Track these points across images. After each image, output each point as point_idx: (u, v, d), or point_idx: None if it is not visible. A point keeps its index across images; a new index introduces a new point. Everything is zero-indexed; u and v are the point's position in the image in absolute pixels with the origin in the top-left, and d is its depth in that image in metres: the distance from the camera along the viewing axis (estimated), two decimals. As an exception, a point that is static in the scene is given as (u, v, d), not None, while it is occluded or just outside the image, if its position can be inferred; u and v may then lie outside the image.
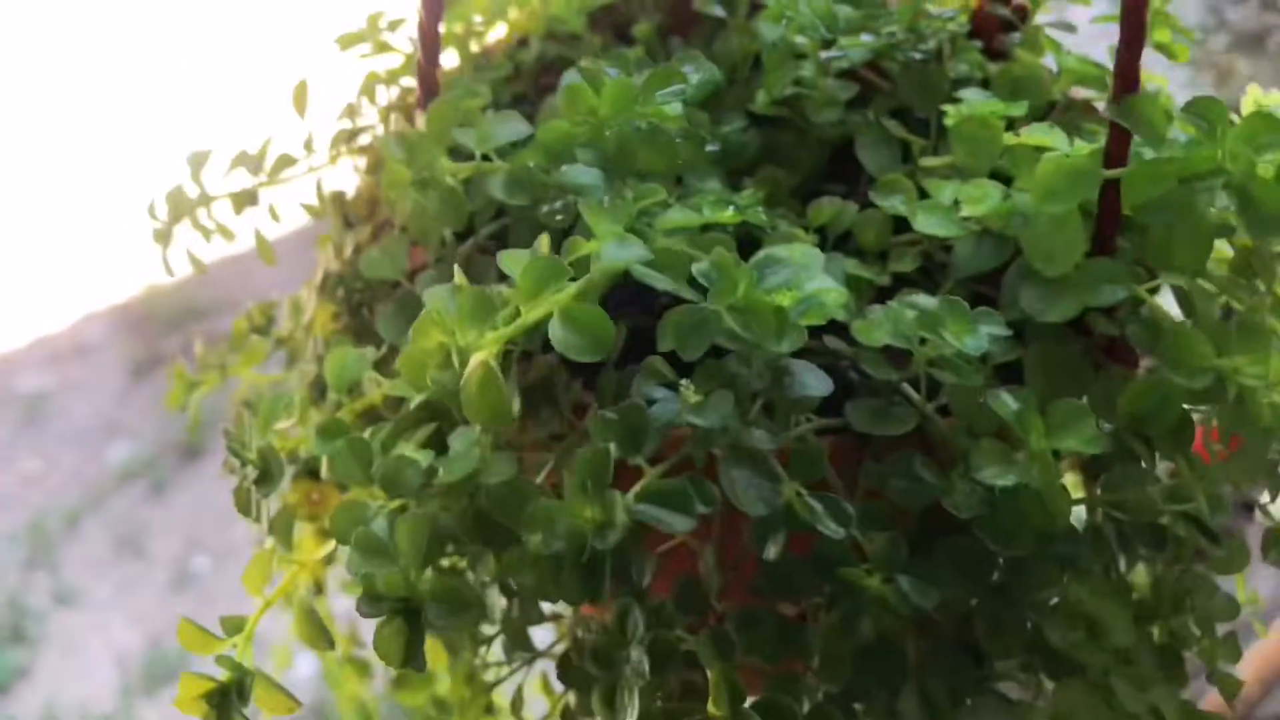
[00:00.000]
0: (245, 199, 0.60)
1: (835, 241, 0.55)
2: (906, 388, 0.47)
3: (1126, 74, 0.44)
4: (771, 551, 0.41)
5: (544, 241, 0.43)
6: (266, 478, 0.45)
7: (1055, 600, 0.47)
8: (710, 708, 0.42)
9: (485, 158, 0.50)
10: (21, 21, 2.72)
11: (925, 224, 0.51)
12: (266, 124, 0.62)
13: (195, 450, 1.98)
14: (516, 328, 0.39)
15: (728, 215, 0.49)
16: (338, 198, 0.60)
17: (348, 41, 0.64)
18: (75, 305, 2.25)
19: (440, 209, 0.48)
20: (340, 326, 0.58)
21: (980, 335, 0.43)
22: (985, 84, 0.59)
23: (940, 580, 0.44)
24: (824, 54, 0.56)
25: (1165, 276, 0.48)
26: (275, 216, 0.61)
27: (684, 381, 0.41)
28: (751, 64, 0.64)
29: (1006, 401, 0.44)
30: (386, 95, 0.64)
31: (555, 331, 0.40)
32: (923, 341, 0.45)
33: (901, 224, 0.54)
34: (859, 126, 0.59)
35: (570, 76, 0.50)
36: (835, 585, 0.44)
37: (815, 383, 0.42)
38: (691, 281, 0.43)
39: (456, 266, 0.41)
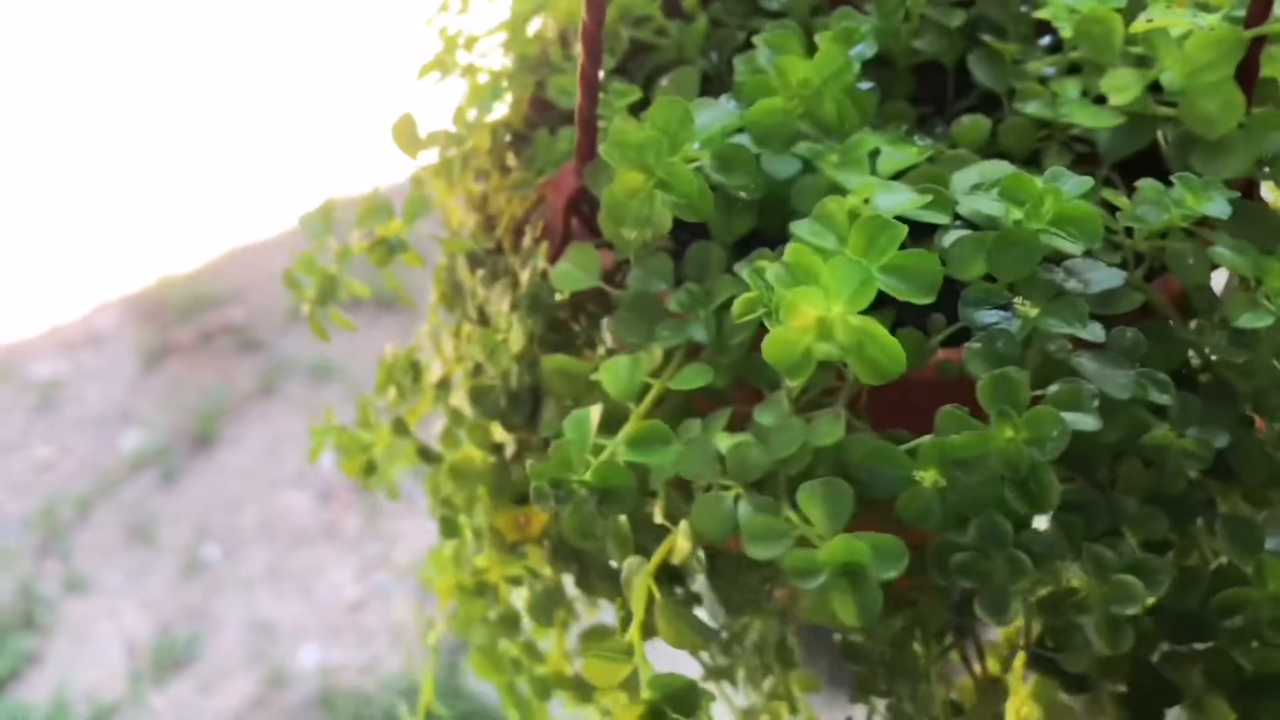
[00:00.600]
0: (387, 251, 0.59)
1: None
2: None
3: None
4: (1115, 434, 0.45)
5: (832, 204, 0.45)
6: (611, 495, 0.46)
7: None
8: (1083, 587, 0.46)
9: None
10: (39, 14, 2.83)
11: (1083, 118, 0.55)
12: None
13: (206, 439, 2.00)
14: (865, 285, 0.41)
15: (916, 151, 0.52)
16: (485, 224, 0.60)
17: (427, 69, 0.64)
18: (89, 293, 2.30)
19: (690, 205, 0.49)
20: (533, 348, 0.58)
21: (1219, 200, 0.48)
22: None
23: (1216, 425, 0.49)
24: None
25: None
26: (417, 261, 0.60)
27: (1017, 299, 0.44)
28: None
29: (1228, 254, 0.50)
30: (475, 114, 0.64)
31: (887, 281, 0.43)
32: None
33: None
34: (944, 50, 0.63)
35: (764, 52, 0.52)
36: (1136, 450, 0.48)
37: (1108, 277, 0.46)
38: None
39: (789, 251, 0.43)
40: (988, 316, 0.44)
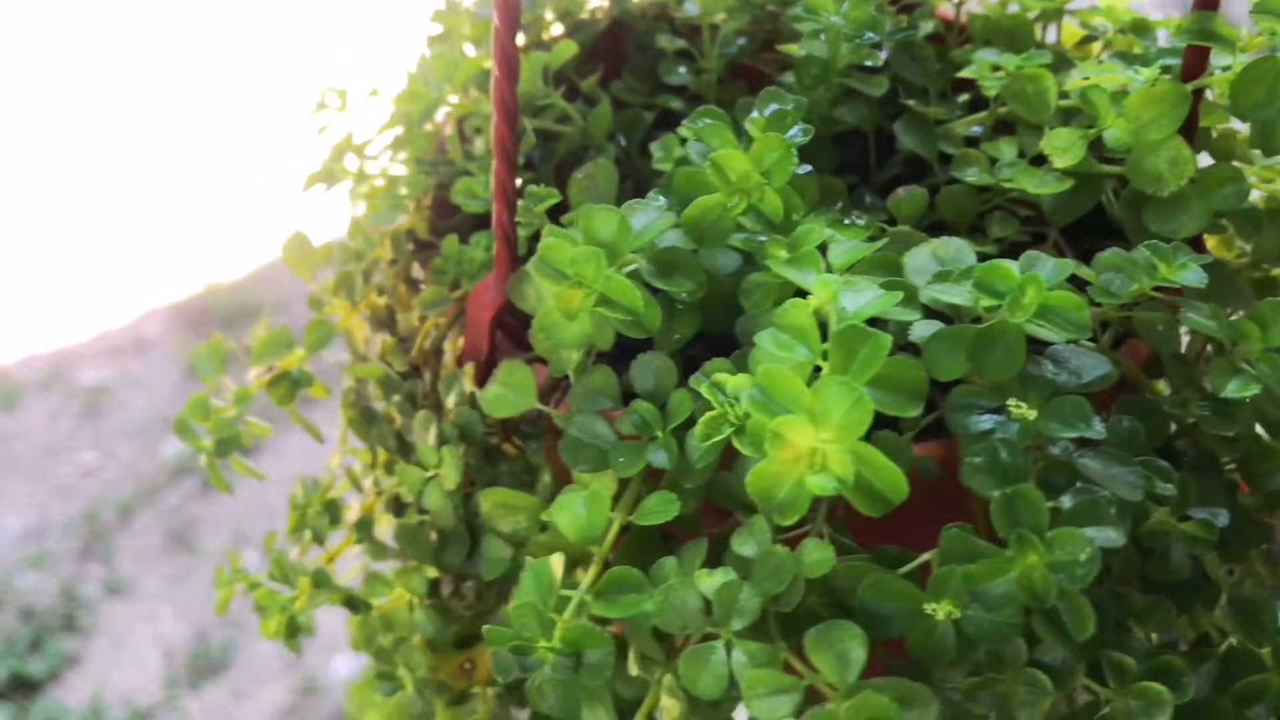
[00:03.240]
0: (290, 386, 0.53)
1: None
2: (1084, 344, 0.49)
3: (1208, -6, 0.47)
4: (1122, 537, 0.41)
5: (796, 311, 0.41)
6: (587, 661, 0.41)
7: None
8: (1104, 698, 0.42)
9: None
10: (82, 20, 2.89)
11: (1029, 184, 0.52)
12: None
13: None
14: (858, 409, 0.37)
15: (864, 237, 0.49)
16: (397, 345, 0.55)
17: (315, 179, 0.58)
18: (137, 301, 2.33)
19: (635, 320, 0.44)
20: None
21: (1194, 268, 0.45)
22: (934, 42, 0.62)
23: (1213, 502, 0.47)
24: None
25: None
26: (323, 392, 0.54)
27: (1011, 400, 0.40)
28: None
29: (1203, 321, 0.47)
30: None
31: (874, 397, 0.38)
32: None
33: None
34: (866, 118, 0.60)
35: (695, 146, 0.47)
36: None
37: (1096, 364, 0.43)
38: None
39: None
40: (982, 423, 0.40)
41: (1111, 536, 0.37)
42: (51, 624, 1.80)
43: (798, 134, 0.48)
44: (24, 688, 1.71)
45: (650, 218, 0.46)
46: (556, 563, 0.43)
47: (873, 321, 0.41)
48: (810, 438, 0.36)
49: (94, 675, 1.74)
